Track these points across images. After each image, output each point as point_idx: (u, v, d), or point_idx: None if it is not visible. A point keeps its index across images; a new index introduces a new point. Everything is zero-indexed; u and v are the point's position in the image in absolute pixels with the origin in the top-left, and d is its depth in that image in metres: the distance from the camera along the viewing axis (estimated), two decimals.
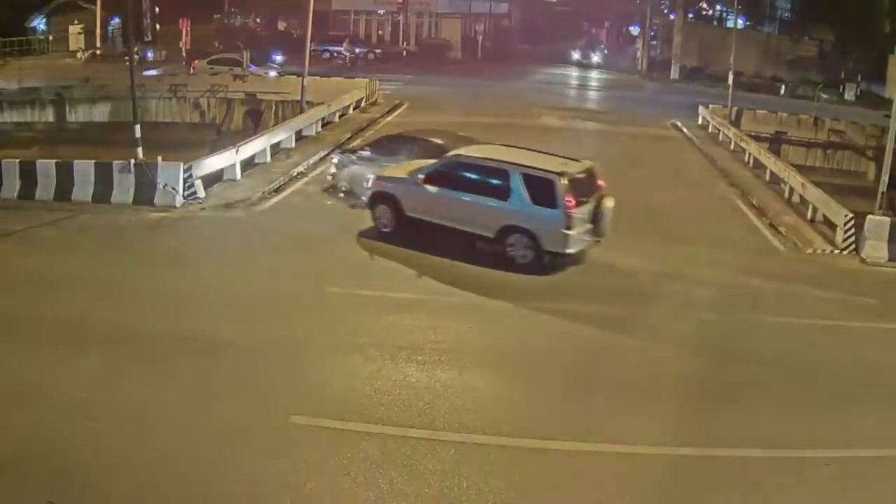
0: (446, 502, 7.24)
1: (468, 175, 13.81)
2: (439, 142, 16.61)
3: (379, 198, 14.60)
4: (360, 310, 11.46)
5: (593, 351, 10.68)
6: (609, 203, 13.53)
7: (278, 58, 41.29)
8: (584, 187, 13.35)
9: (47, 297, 11.41)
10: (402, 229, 14.33)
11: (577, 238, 13.13)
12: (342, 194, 17.14)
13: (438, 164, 14.36)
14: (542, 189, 13.03)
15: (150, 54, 41.99)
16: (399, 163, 15.77)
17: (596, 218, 13.34)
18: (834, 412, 9.40)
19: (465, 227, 13.67)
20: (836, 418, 9.23)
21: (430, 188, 13.98)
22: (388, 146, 17.35)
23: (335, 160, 18.28)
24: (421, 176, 14.19)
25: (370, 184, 14.97)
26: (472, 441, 8.21)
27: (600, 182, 13.89)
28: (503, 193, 13.34)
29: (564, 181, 12.93)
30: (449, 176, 13.93)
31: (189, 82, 32.68)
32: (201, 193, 16.78)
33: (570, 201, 12.82)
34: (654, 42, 55.58)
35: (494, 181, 13.46)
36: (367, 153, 17.32)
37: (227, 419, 8.38)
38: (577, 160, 14.05)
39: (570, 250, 13.23)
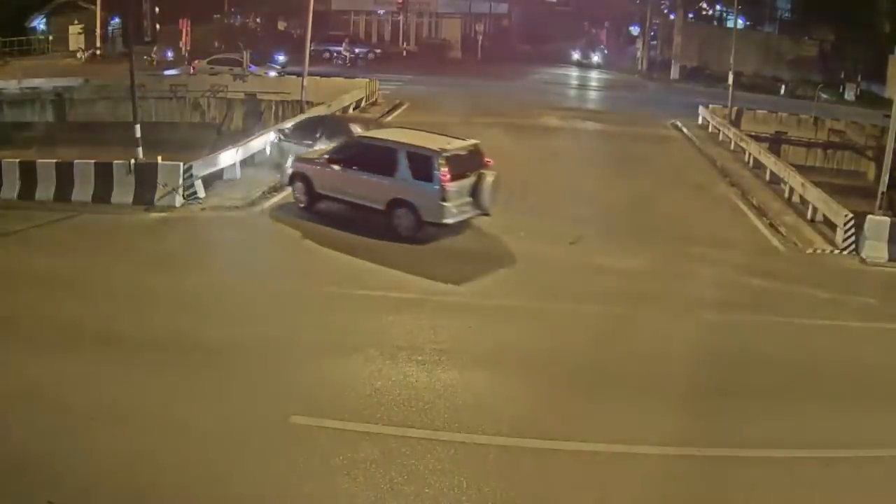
0: (446, 502, 7.25)
1: (364, 155, 15.14)
2: (354, 126, 18.73)
3: (296, 177, 16.08)
4: (361, 310, 11.47)
5: (593, 351, 10.68)
6: (489, 178, 14.40)
7: (281, 58, 41.26)
8: (465, 163, 14.39)
9: (47, 297, 11.41)
10: (314, 204, 15.85)
11: (453, 209, 14.16)
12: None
13: (340, 145, 16.19)
14: (422, 165, 14.18)
15: (169, 54, 41.93)
16: (314, 141, 18.15)
17: (475, 192, 14.29)
18: (833, 412, 9.39)
19: (362, 201, 15.00)
20: (836, 418, 9.23)
21: (334, 167, 15.33)
22: (307, 128, 19.55)
23: (272, 139, 20.12)
24: (326, 156, 15.71)
25: (289, 165, 16.47)
26: (472, 441, 8.21)
27: (487, 160, 14.90)
28: (391, 170, 14.52)
29: (441, 157, 14.00)
30: (349, 156, 15.38)
31: (189, 82, 32.67)
32: (201, 193, 16.79)
33: (446, 175, 13.86)
34: (654, 42, 55.50)
35: (384, 159, 14.64)
36: (288, 132, 19.75)
37: (227, 419, 8.39)
38: (463, 139, 15.25)
39: (447, 221, 14.26)
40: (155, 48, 41.67)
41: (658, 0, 57.82)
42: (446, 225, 14.38)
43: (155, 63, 39.00)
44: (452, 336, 10.75)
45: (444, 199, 13.97)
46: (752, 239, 16.58)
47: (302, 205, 15.96)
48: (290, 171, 16.27)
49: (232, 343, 10.14)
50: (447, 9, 58.37)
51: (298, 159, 16.44)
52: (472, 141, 15.19)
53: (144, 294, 11.70)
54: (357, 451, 7.88)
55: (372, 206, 14.79)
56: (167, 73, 35.03)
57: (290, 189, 16.40)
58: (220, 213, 16.10)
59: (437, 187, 13.94)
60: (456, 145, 14.69)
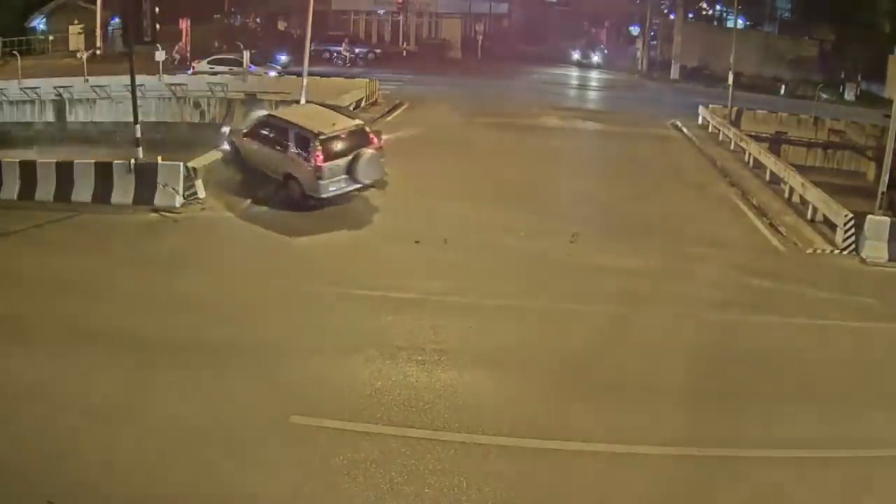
0: (446, 502, 7.25)
1: (270, 130, 16.83)
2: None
3: (231, 143, 17.79)
4: (361, 310, 11.47)
5: (593, 351, 10.68)
6: (366, 155, 15.79)
7: (283, 58, 41.18)
8: (345, 143, 15.87)
9: (47, 297, 11.42)
10: (239, 166, 17.49)
11: (329, 186, 15.66)
12: None
13: (256, 121, 17.79)
14: (303, 144, 15.77)
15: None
16: None
17: (351, 168, 15.64)
18: (834, 412, 9.40)
19: (268, 171, 16.73)
20: (837, 418, 9.23)
21: (252, 141, 17.05)
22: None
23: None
24: (245, 130, 17.50)
25: (225, 134, 18.25)
26: (472, 441, 8.22)
27: (372, 138, 16.43)
28: (285, 146, 16.17)
29: (317, 140, 15.50)
30: (261, 131, 17.04)
31: (189, 82, 32.67)
32: (201, 193, 16.76)
33: (319, 156, 15.39)
34: (654, 42, 55.44)
35: (282, 136, 16.33)
36: None
37: (227, 419, 8.39)
38: (352, 119, 16.99)
39: (324, 195, 15.70)
40: (178, 46, 41.16)
41: (658, 0, 57.83)
42: (324, 199, 15.75)
43: (177, 62, 38.47)
44: (452, 336, 10.75)
45: (319, 178, 15.44)
46: (752, 239, 16.58)
47: (231, 165, 17.74)
48: (225, 141, 18.11)
49: (232, 343, 10.14)
50: (447, 9, 58.31)
51: (231, 130, 18.45)
52: (357, 122, 16.75)
53: (144, 294, 11.70)
54: (357, 451, 7.89)
55: (274, 177, 16.56)
56: (189, 73, 34.92)
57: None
58: (220, 213, 16.10)
59: (312, 165, 15.47)
60: (340, 126, 16.10)
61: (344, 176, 15.72)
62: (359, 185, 16.01)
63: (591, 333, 11.27)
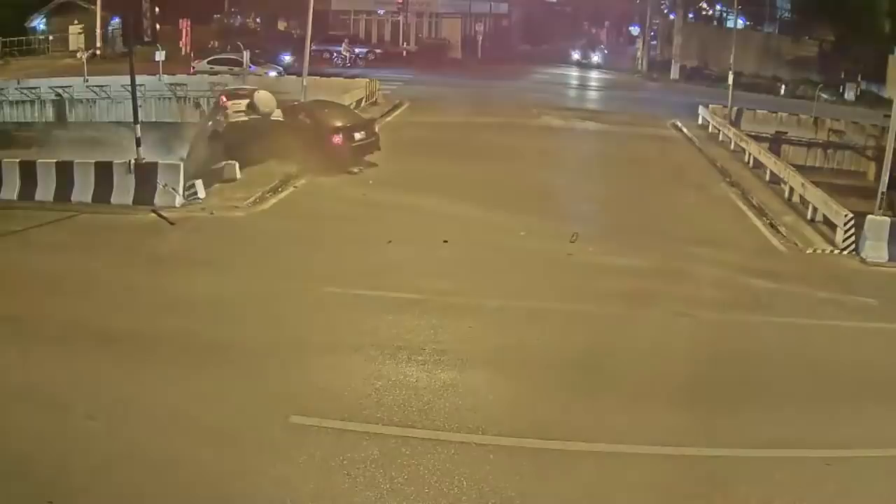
0: (446, 502, 7.24)
1: (210, 122, 21.47)
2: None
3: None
4: (360, 310, 11.46)
5: (593, 351, 10.67)
6: (259, 93, 20.61)
7: (287, 58, 41.14)
8: (244, 95, 20.80)
9: (47, 297, 11.42)
10: None
11: (235, 116, 20.16)
12: None
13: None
14: (218, 105, 21.00)
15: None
16: None
17: (250, 105, 20.34)
18: (834, 412, 9.39)
19: (208, 145, 19.97)
20: (836, 418, 9.22)
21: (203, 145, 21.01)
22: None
23: None
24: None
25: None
26: (472, 441, 8.20)
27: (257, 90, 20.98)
28: (215, 118, 20.83)
29: (223, 94, 21.55)
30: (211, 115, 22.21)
31: (189, 82, 32.66)
32: (201, 194, 16.78)
33: (224, 100, 20.71)
34: (654, 42, 55.52)
35: (212, 116, 21.28)
36: None
37: (227, 419, 8.39)
38: (253, 88, 21.87)
39: (231, 121, 20.05)
40: (213, 43, 40.59)
41: (658, 0, 57.85)
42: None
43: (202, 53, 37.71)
44: (452, 336, 10.74)
45: (226, 115, 20.22)
46: (752, 239, 16.58)
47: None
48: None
49: (231, 343, 10.13)
50: (447, 9, 58.35)
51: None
52: (253, 88, 21.93)
53: (144, 294, 11.70)
54: (357, 451, 7.88)
55: (210, 146, 19.92)
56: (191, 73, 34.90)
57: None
58: (219, 214, 16.11)
59: (222, 108, 20.54)
60: (242, 92, 21.58)
61: (245, 110, 20.33)
62: (258, 116, 20.18)
63: (591, 333, 11.26)
